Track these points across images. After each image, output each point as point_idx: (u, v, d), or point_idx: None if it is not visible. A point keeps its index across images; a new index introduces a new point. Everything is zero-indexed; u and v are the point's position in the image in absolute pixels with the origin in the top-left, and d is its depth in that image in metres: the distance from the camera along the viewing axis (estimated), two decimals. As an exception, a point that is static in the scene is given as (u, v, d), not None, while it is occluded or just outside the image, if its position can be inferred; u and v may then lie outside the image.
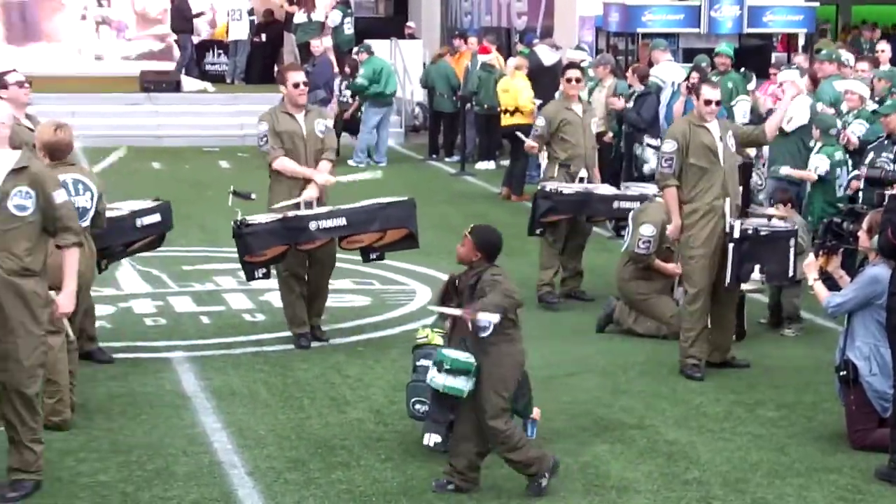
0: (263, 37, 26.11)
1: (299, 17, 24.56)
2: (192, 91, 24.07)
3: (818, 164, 11.34)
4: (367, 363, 9.11)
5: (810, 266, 7.73)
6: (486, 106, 18.34)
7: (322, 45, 21.20)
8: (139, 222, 9.02)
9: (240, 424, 7.80)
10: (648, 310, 9.97)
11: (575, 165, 11.00)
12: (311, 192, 9.44)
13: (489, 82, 18.30)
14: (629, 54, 18.70)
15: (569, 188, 10.88)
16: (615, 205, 11.00)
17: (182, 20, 25.10)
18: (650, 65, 15.62)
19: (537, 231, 10.87)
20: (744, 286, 9.40)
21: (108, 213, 8.83)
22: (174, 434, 7.61)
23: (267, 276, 9.35)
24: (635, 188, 11.58)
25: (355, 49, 20.82)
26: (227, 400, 8.29)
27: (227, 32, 26.31)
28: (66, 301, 6.65)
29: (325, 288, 9.73)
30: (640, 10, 18.52)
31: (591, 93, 15.47)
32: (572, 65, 11.88)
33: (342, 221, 9.27)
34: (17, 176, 6.40)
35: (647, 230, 9.95)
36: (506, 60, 19.63)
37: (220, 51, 26.33)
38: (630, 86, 14.91)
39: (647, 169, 13.98)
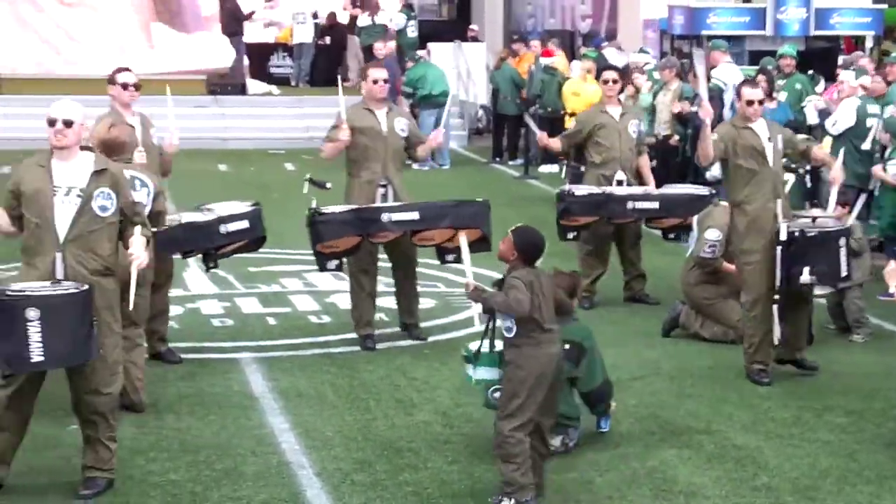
0: (328, 40, 26.26)
1: (363, 20, 24.69)
2: (258, 94, 24.26)
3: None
4: (432, 365, 9.13)
5: (892, 273, 7.59)
6: (549, 109, 18.32)
7: (386, 47, 21.32)
8: (223, 229, 8.97)
9: (307, 425, 7.85)
10: (715, 314, 9.90)
11: (610, 169, 10.91)
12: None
13: (552, 85, 18.28)
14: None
15: (582, 189, 10.78)
16: (629, 205, 10.71)
17: (233, 22, 24.42)
18: (711, 67, 15.52)
19: (568, 236, 10.75)
20: (814, 290, 9.28)
21: (197, 218, 8.93)
22: (242, 434, 7.68)
23: (339, 268, 9.39)
24: (669, 188, 11.40)
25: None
26: (294, 401, 8.35)
27: (291, 35, 26.50)
28: (138, 248, 6.52)
29: (411, 288, 9.77)
30: (705, 13, 18.42)
31: (655, 95, 15.42)
32: (608, 66, 11.83)
33: (415, 215, 9.30)
34: (99, 178, 6.54)
35: (713, 234, 9.89)
36: (569, 63, 19.61)
37: (285, 54, 26.55)
38: (693, 88, 14.82)
39: (709, 175, 13.85)
